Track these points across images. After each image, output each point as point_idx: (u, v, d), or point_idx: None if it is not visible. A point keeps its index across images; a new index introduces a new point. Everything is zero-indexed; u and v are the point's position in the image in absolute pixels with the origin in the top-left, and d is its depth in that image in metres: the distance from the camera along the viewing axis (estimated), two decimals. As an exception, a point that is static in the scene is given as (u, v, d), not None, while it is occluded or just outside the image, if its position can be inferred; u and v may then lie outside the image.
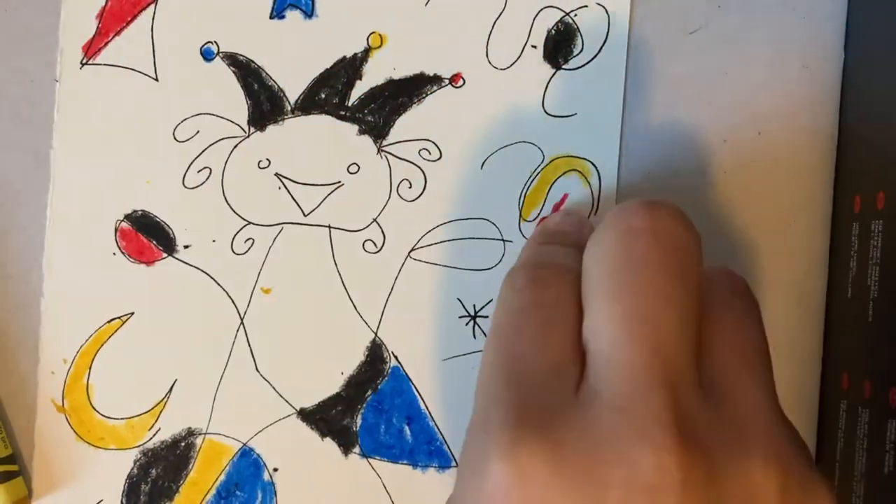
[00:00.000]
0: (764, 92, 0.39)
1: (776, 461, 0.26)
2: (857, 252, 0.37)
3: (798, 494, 0.26)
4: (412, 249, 0.38)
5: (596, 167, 0.38)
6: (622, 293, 0.27)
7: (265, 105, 0.38)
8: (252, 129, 0.38)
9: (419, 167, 0.38)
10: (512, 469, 0.25)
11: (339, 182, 0.38)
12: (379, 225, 0.38)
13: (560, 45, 0.38)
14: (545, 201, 0.38)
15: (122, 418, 0.38)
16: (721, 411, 0.27)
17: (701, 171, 0.39)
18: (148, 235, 0.38)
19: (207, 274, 0.38)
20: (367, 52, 0.38)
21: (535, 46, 0.38)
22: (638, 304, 0.26)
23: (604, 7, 0.37)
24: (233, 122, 0.38)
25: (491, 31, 0.37)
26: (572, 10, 0.37)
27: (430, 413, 0.38)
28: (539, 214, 0.38)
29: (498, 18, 0.37)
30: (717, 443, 0.25)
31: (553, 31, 0.37)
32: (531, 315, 0.29)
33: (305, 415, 0.38)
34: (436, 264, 0.38)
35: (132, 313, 0.38)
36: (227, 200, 0.38)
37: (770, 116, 0.39)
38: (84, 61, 0.38)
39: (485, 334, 0.38)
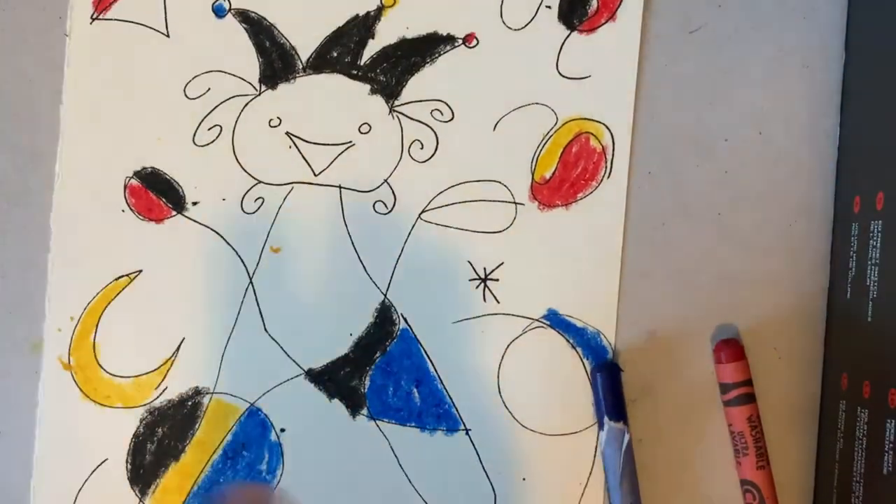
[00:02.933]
0: (764, 91, 0.39)
1: None
2: (857, 252, 0.37)
3: None
4: (423, 211, 0.38)
5: (609, 130, 0.38)
6: None
7: (277, 63, 0.37)
8: (263, 88, 0.37)
9: (431, 128, 0.38)
10: None
11: (351, 142, 0.38)
12: (390, 186, 0.38)
13: (575, 6, 0.37)
14: (558, 164, 0.38)
15: (128, 377, 0.37)
16: None
17: (702, 171, 0.39)
18: (157, 193, 0.37)
19: (217, 232, 0.37)
20: (381, 10, 0.37)
21: (549, 7, 0.37)
22: None
23: (620, -32, 0.37)
24: (244, 79, 0.37)
25: (505, -9, 0.37)
26: (588, -29, 0.37)
27: (438, 376, 0.38)
28: (552, 176, 0.38)
29: (513, -22, 0.37)
30: None
31: (568, -8, 0.37)
32: None
33: (313, 376, 0.38)
34: (446, 226, 0.38)
35: (140, 271, 0.37)
36: (237, 159, 0.37)
37: (770, 116, 0.39)
38: (94, 16, 0.37)
39: (495, 298, 0.38)
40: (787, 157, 0.39)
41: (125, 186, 0.37)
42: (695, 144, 0.39)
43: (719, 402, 0.38)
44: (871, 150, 0.37)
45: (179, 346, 0.37)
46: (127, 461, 0.37)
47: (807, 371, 0.39)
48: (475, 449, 0.37)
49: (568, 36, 0.37)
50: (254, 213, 0.38)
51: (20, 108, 0.38)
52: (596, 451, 0.37)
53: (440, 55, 0.37)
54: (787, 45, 0.39)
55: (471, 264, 0.38)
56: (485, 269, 0.38)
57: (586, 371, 0.38)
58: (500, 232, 0.38)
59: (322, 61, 0.37)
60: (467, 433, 0.38)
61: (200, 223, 0.37)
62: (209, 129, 0.37)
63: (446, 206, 0.38)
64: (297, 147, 0.37)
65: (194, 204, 0.37)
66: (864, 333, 0.37)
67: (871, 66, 0.38)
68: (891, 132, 0.36)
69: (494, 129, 0.38)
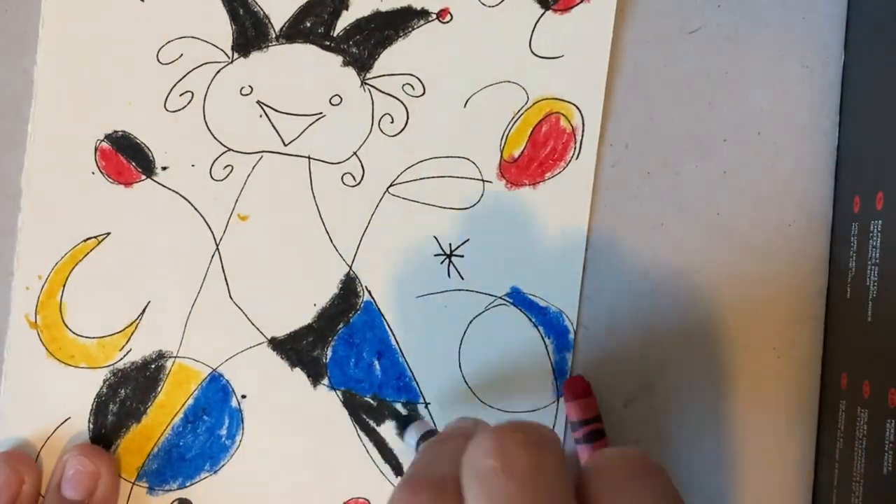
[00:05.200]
0: (763, 91, 0.39)
1: None
2: (857, 252, 0.37)
3: None
4: (391, 185, 0.38)
5: (580, 111, 0.38)
6: None
7: (250, 31, 0.37)
8: (236, 55, 0.37)
9: (402, 102, 0.38)
10: None
11: (321, 113, 0.38)
12: (359, 158, 0.38)
13: (550, -15, 0.37)
14: (527, 143, 0.38)
15: (93, 337, 0.38)
16: None
17: (701, 171, 0.39)
18: (127, 156, 0.37)
19: (185, 198, 0.38)
20: (356, -19, 0.37)
21: (524, -15, 0.37)
22: None
23: (597, -51, 0.37)
24: (217, 46, 0.37)
25: (481, -32, 0.37)
26: (565, -49, 0.37)
27: (400, 349, 0.38)
28: (520, 155, 0.38)
29: (489, -45, 0.37)
30: None
31: (544, -29, 0.37)
32: None
33: (276, 344, 0.38)
34: (414, 201, 0.38)
35: (108, 233, 0.38)
36: (207, 126, 0.37)
37: (770, 116, 0.39)
38: (71, -22, 0.37)
39: (459, 274, 0.38)
40: (787, 157, 0.39)
41: (96, 149, 0.37)
42: (694, 144, 0.39)
43: (716, 402, 0.39)
44: (871, 149, 0.37)
45: (144, 309, 0.38)
46: (89, 420, 0.38)
47: (806, 371, 0.39)
48: (434, 423, 0.38)
49: (542, 15, 0.37)
50: (223, 180, 0.38)
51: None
52: (554, 428, 0.38)
53: (414, 29, 0.37)
54: (787, 45, 0.39)
55: (436, 239, 0.38)
56: (450, 244, 0.38)
57: (547, 350, 0.38)
58: (466, 209, 0.38)
59: (295, 31, 0.37)
60: (426, 407, 0.38)
61: (169, 188, 0.37)
62: (181, 95, 0.37)
63: (414, 180, 0.38)
64: (267, 116, 0.37)
65: (164, 169, 0.37)
66: (863, 333, 0.37)
67: (871, 66, 0.38)
68: (891, 132, 0.36)
69: (465, 105, 0.38)
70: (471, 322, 0.38)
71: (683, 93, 0.39)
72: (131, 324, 0.38)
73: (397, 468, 0.38)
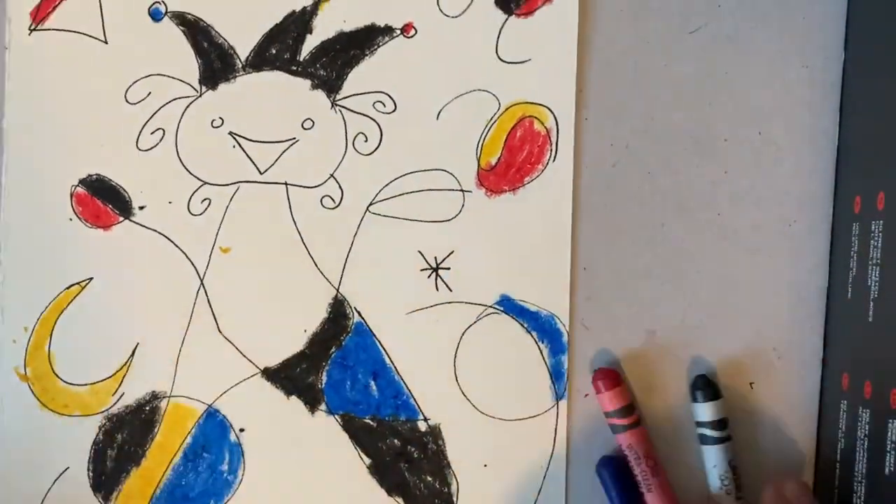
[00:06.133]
0: (764, 91, 0.39)
1: None
2: (858, 252, 0.38)
3: None
4: (371, 203, 0.38)
5: (553, 112, 0.38)
6: None
7: (216, 63, 0.38)
8: (204, 89, 0.38)
9: (374, 120, 0.38)
10: None
11: (294, 138, 0.38)
12: (336, 180, 0.38)
13: (511, -10, 0.38)
14: (503, 149, 0.38)
15: (85, 384, 0.38)
16: None
17: (701, 171, 0.39)
18: (104, 199, 0.38)
19: (165, 236, 0.38)
20: (317, 4, 0.38)
21: (485, -8, 0.38)
22: None
23: (554, -50, 0.38)
24: (184, 81, 0.38)
25: (441, -21, 0.38)
26: (522, -45, 0.38)
27: (395, 367, 0.38)
28: (497, 162, 0.38)
29: (447, -34, 0.38)
30: None
31: (503, -24, 0.38)
32: None
33: (270, 374, 0.38)
34: (395, 217, 0.38)
35: (91, 278, 0.38)
36: (181, 161, 0.38)
37: (770, 116, 0.39)
38: (32, 27, 0.38)
39: (447, 286, 0.38)
40: (787, 157, 0.40)
41: (71, 195, 0.38)
42: (694, 144, 0.40)
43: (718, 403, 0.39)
44: (872, 149, 0.38)
45: (134, 351, 0.38)
46: (88, 468, 0.38)
47: (807, 371, 0.40)
48: (434, 438, 0.38)
49: (506, 21, 0.38)
50: (201, 214, 0.38)
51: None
52: (556, 434, 0.38)
53: (379, 46, 0.38)
54: (787, 45, 0.40)
55: (421, 254, 0.38)
56: (436, 258, 0.38)
57: (542, 354, 0.38)
58: (449, 220, 0.38)
59: (261, 59, 0.38)
60: (426, 422, 0.38)
61: (148, 227, 0.38)
62: (152, 133, 0.38)
63: (394, 197, 0.38)
64: (240, 146, 0.38)
65: (141, 208, 0.38)
66: (865, 333, 0.37)
67: (871, 66, 0.38)
68: (891, 131, 0.36)
69: (438, 117, 0.38)
70: (463, 334, 0.38)
71: (684, 93, 0.39)
72: (122, 367, 0.38)
73: (401, 488, 0.38)
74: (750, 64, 0.40)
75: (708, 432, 0.37)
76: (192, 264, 0.38)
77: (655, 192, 0.39)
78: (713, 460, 0.37)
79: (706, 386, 0.38)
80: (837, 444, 0.39)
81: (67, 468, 0.38)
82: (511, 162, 0.38)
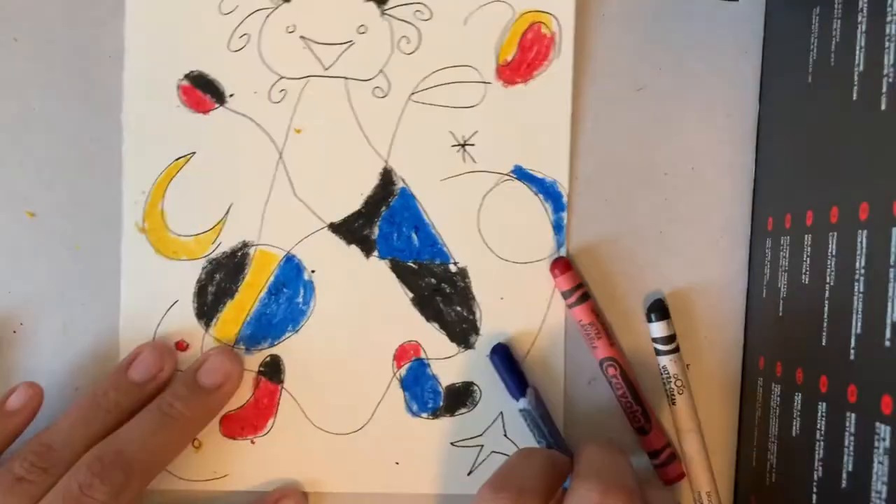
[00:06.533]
0: (696, 135, 0.46)
1: None
2: (770, 262, 0.43)
3: None
4: (412, 93, 0.46)
5: (556, 18, 0.46)
6: None
7: (290, -18, 0.46)
8: (281, 2, 0.46)
9: (415, 26, 0.46)
10: None
11: (351, 41, 0.46)
12: (385, 74, 0.46)
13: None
14: (517, 49, 0.47)
15: (190, 235, 0.46)
16: None
17: (647, 198, 0.46)
18: (203, 90, 0.46)
19: (251, 118, 0.46)
20: (369, -66, 0.46)
21: (503, -78, 0.46)
22: None
23: None
24: None
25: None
26: None
27: (431, 223, 0.47)
28: (512, 59, 0.47)
29: None
30: None
31: None
32: None
33: (334, 227, 0.46)
34: (431, 104, 0.46)
35: (194, 153, 0.46)
36: (263, 60, 0.46)
37: (701, 154, 0.47)
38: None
39: (472, 159, 0.47)
40: (714, 187, 0.46)
41: (178, 87, 0.46)
42: (641, 178, 0.46)
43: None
44: (781, 180, 0.43)
45: (228, 210, 0.46)
46: (193, 301, 0.46)
47: (731, 355, 0.46)
48: (462, 277, 0.47)
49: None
50: (279, 102, 0.46)
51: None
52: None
53: (419, -34, 0.46)
54: (714, 99, 0.46)
55: (452, 133, 0.46)
56: (463, 136, 0.46)
57: (546, 212, 0.47)
58: (473, 106, 0.46)
59: (327, -21, 0.46)
60: (456, 265, 0.47)
61: (238, 112, 0.46)
62: (240, 38, 0.46)
63: (430, 88, 0.46)
64: (309, 48, 0.46)
65: (231, 97, 0.46)
66: (776, 325, 0.42)
67: (779, 116, 0.44)
68: (795, 166, 0.41)
69: (465, 23, 0.46)
70: (485, 196, 0.46)
71: (634, 137, 0.46)
72: (219, 222, 0.46)
73: (437, 316, 0.47)
74: (685, 114, 0.46)
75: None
76: (273, 141, 0.46)
77: (613, 215, 0.46)
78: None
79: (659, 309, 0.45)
80: (755, 413, 0.44)
81: (177, 301, 0.46)
82: (523, 59, 0.46)
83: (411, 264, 0.47)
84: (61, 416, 0.42)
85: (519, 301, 0.46)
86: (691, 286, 0.46)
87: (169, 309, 0.46)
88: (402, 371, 0.47)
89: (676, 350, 0.45)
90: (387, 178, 0.46)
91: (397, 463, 0.47)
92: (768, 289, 0.43)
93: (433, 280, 0.47)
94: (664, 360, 0.45)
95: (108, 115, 0.47)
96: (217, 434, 0.47)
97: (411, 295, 0.47)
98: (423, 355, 0.47)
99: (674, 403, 0.45)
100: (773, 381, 0.42)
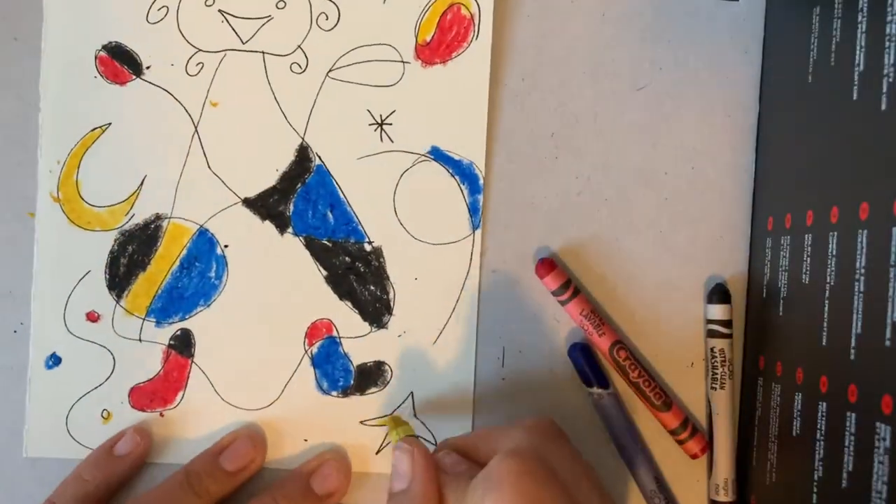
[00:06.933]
0: (696, 135, 0.47)
1: None
2: (771, 262, 0.43)
3: None
4: (330, 70, 0.46)
5: (476, 1, 0.46)
6: None
7: (209, -46, 0.46)
8: None
9: (334, 3, 0.46)
10: None
11: (270, 16, 0.46)
12: (303, 50, 0.46)
13: None
14: (436, 29, 0.47)
15: (104, 206, 0.46)
16: None
17: (647, 197, 0.47)
18: (121, 61, 0.46)
19: (167, 91, 0.46)
20: None
21: None
22: None
23: None
24: None
25: None
26: None
27: (347, 201, 0.47)
28: (431, 39, 0.47)
29: None
30: None
31: None
32: None
33: (249, 202, 0.47)
34: (349, 82, 0.46)
35: (110, 123, 0.46)
36: (181, 32, 0.46)
37: (701, 154, 0.47)
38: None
39: (390, 138, 0.47)
40: (714, 186, 0.46)
41: (95, 57, 0.46)
42: (642, 177, 0.46)
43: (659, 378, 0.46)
44: (781, 180, 0.43)
45: (142, 182, 0.46)
46: (105, 272, 0.46)
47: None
48: (377, 256, 0.47)
49: (441, -75, 0.46)
50: (196, 75, 0.46)
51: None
52: (471, 256, 0.47)
53: (339, -56, 0.46)
54: (714, 99, 0.46)
55: (370, 112, 0.46)
56: (381, 115, 0.46)
57: (462, 194, 0.47)
58: (392, 85, 0.46)
59: (245, -48, 0.46)
60: (370, 244, 0.47)
61: (155, 84, 0.46)
62: (159, 10, 0.46)
63: (349, 65, 0.46)
64: (227, 21, 0.46)
65: (148, 69, 0.46)
66: (776, 325, 0.42)
67: (779, 116, 0.44)
68: (796, 166, 0.41)
69: (385, 2, 0.46)
70: (401, 175, 0.46)
71: (634, 136, 0.46)
72: (133, 194, 0.46)
73: (350, 295, 0.47)
74: (684, 114, 0.46)
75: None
76: (189, 114, 0.46)
77: (612, 214, 0.46)
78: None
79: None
80: (756, 412, 0.44)
81: (89, 271, 0.46)
82: (442, 40, 0.46)
83: (326, 242, 0.47)
84: (155, 487, 0.44)
85: (433, 282, 0.47)
86: (691, 287, 0.46)
87: (81, 279, 0.47)
88: (314, 349, 0.47)
89: (731, 336, 0.45)
90: (303, 154, 0.47)
91: (306, 440, 0.47)
92: (768, 289, 0.43)
93: (347, 259, 0.47)
94: (721, 344, 0.45)
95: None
96: (126, 406, 0.47)
97: (325, 273, 0.47)
98: (335, 333, 0.47)
99: (722, 387, 0.45)
100: (773, 380, 0.42)
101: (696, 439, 0.45)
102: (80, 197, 0.46)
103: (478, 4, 0.46)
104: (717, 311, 0.45)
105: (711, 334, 0.45)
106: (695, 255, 0.46)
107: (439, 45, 0.46)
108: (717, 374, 0.45)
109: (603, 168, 0.46)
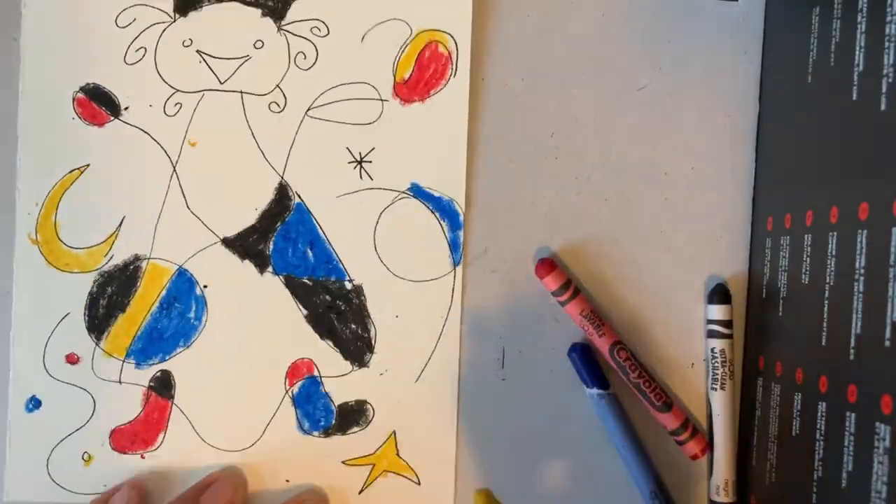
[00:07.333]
0: (696, 135, 0.47)
1: None
2: (770, 262, 0.43)
3: None
4: (309, 109, 0.46)
5: (453, 38, 0.46)
6: None
7: (187, -5, 0.46)
8: (177, 16, 0.46)
9: (312, 42, 0.46)
10: None
11: (248, 56, 0.46)
12: (281, 90, 0.46)
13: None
14: (414, 67, 0.47)
15: (82, 248, 0.46)
16: None
17: (647, 197, 0.47)
18: (99, 103, 0.46)
19: (145, 132, 0.46)
20: (267, -50, 0.46)
21: (400, -60, 0.46)
22: None
23: None
24: (161, 10, 0.46)
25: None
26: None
27: (327, 239, 0.47)
28: (409, 77, 0.47)
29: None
30: None
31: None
32: None
33: (228, 242, 0.46)
34: (328, 120, 0.46)
35: (88, 164, 0.46)
36: (159, 73, 0.46)
37: (701, 154, 0.47)
38: (43, -35, 0.46)
39: (369, 176, 0.47)
40: (714, 186, 0.46)
41: (73, 99, 0.46)
42: (642, 177, 0.46)
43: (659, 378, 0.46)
44: (781, 180, 0.43)
45: (121, 223, 0.46)
46: (85, 314, 0.46)
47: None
48: (358, 294, 0.47)
49: (418, -35, 0.46)
50: (174, 115, 0.46)
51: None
52: (452, 292, 0.47)
53: (316, -16, 0.46)
54: (714, 99, 0.46)
55: (349, 150, 0.46)
56: (360, 153, 0.46)
57: (443, 230, 0.46)
58: (371, 123, 0.46)
59: (222, -8, 0.46)
60: (351, 282, 0.47)
61: (133, 125, 0.46)
62: (136, 51, 0.46)
63: (327, 104, 0.46)
64: (205, 62, 0.46)
65: (126, 109, 0.46)
66: (776, 325, 0.42)
67: (779, 116, 0.44)
68: (795, 166, 0.41)
69: (362, 40, 0.46)
70: (381, 213, 0.46)
71: (634, 136, 0.46)
72: (111, 235, 0.46)
73: (331, 333, 0.47)
74: (684, 114, 0.46)
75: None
76: (167, 154, 0.46)
77: (612, 214, 0.46)
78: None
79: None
80: (755, 412, 0.44)
81: (69, 313, 0.46)
82: (420, 77, 0.46)
83: (306, 281, 0.46)
84: None
85: (415, 319, 0.46)
86: (691, 286, 0.46)
87: (61, 321, 0.46)
88: (295, 388, 0.46)
89: (732, 336, 0.45)
90: (282, 192, 0.46)
91: (287, 480, 0.46)
92: (768, 289, 0.44)
93: (328, 297, 0.46)
94: (722, 344, 0.45)
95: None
96: (107, 448, 0.46)
97: (305, 312, 0.47)
98: (316, 373, 0.46)
99: (722, 388, 0.45)
100: (773, 381, 0.42)
101: (696, 440, 0.45)
102: (59, 238, 0.46)
103: (455, 41, 0.46)
104: (718, 312, 0.45)
105: (711, 334, 0.45)
106: (695, 255, 0.46)
107: (417, 82, 0.46)
108: (717, 374, 0.45)
109: (603, 168, 0.46)
